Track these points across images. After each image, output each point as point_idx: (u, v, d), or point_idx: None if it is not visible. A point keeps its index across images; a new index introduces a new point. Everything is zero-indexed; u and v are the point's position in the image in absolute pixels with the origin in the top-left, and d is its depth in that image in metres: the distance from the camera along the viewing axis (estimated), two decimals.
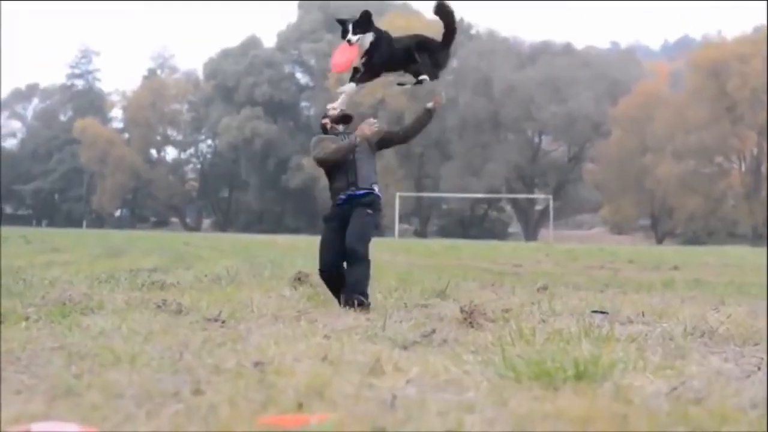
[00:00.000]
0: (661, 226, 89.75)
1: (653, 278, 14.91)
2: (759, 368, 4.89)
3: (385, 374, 4.39)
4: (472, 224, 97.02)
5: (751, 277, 16.41)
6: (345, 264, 8.60)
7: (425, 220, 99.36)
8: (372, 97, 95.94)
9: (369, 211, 8.63)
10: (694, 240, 78.74)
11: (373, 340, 5.75)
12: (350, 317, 7.07)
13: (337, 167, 8.65)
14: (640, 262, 23.40)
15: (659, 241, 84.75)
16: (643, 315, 7.64)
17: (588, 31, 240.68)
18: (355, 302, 8.02)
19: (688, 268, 20.41)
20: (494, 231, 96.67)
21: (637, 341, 5.85)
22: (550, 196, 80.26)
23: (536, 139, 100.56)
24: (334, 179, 8.70)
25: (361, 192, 8.61)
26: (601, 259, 24.59)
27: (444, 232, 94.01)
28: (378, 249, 13.76)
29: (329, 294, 8.65)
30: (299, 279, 10.55)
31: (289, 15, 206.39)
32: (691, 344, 5.82)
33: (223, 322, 6.53)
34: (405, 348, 5.41)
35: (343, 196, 8.62)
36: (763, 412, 3.63)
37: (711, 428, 3.36)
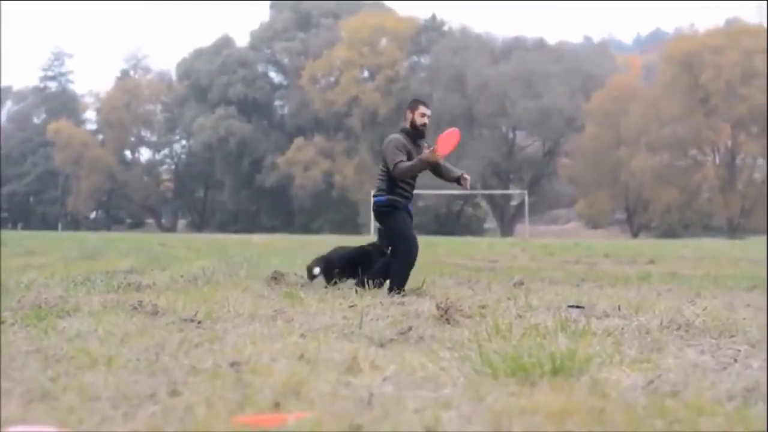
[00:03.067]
0: (636, 220, 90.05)
1: (629, 272, 14.96)
2: (735, 360, 4.91)
3: (361, 372, 4.38)
4: (448, 220, 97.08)
5: (727, 269, 16.51)
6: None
7: None
8: (346, 94, 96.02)
9: None
10: (669, 233, 79.03)
11: (349, 338, 5.74)
12: (326, 316, 7.05)
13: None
14: (615, 255, 23.48)
15: (635, 235, 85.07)
16: (620, 309, 7.66)
17: (560, 25, 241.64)
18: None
19: (663, 261, 20.50)
20: (470, 227, 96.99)
21: (614, 335, 5.86)
22: (526, 192, 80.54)
23: (511, 135, 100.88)
24: (406, 183, 9.64)
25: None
26: (576, 254, 24.65)
27: (420, 229, 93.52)
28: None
29: (306, 292, 8.65)
30: (275, 278, 10.53)
31: (261, 14, 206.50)
32: (668, 337, 5.84)
33: (200, 322, 6.48)
34: (381, 345, 5.41)
35: (411, 208, 9.82)
36: (738, 404, 3.65)
37: (688, 421, 3.38)
